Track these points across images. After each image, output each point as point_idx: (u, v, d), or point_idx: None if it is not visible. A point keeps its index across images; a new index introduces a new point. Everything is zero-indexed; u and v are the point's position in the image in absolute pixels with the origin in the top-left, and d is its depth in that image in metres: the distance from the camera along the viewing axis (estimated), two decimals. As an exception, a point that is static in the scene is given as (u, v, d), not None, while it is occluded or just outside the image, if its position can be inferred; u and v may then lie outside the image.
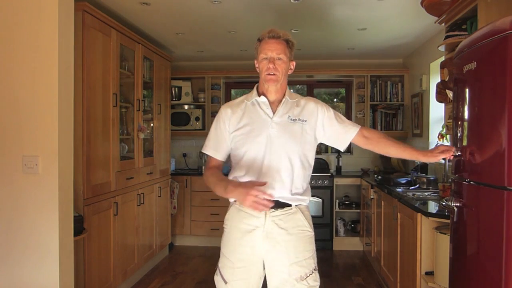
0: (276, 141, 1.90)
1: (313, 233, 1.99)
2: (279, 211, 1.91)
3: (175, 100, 5.57)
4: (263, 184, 1.78)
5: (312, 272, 1.91)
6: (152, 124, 4.41)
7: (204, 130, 5.64)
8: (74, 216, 2.66)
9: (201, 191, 5.28)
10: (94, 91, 3.14)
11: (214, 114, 5.71)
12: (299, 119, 1.95)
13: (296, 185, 1.93)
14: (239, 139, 1.94)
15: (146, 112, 4.29)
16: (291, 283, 1.88)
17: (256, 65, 1.99)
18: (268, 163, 1.89)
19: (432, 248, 2.74)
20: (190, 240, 5.40)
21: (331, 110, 2.04)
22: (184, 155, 5.93)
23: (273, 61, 1.90)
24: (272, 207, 1.87)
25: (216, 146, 2.00)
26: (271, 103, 1.96)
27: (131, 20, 3.93)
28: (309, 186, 2.03)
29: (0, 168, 2.43)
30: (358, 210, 5.30)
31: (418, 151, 1.99)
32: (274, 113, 1.94)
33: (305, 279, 1.88)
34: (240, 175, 1.94)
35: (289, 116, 1.94)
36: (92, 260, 3.09)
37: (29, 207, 2.42)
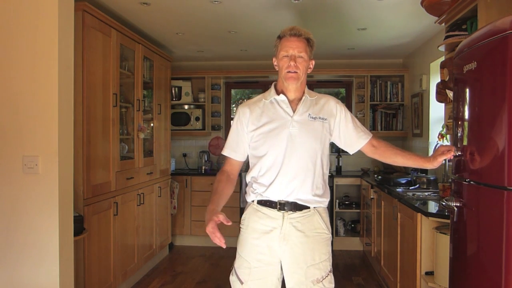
0: (297, 140, 1.88)
1: (330, 235, 1.97)
2: (297, 213, 1.89)
3: (175, 100, 5.56)
4: (228, 222, 1.73)
5: (328, 274, 1.91)
6: (152, 124, 4.41)
7: (204, 130, 5.64)
8: (74, 216, 2.66)
9: (201, 191, 5.28)
10: (94, 91, 3.14)
11: (214, 114, 5.71)
12: (320, 117, 1.92)
13: (317, 185, 1.91)
14: (259, 138, 1.91)
15: (146, 112, 4.29)
16: (308, 285, 1.87)
17: (275, 63, 1.96)
18: (288, 162, 1.87)
19: (432, 248, 2.74)
20: (190, 240, 5.39)
21: (349, 113, 2.02)
22: (184, 155, 5.93)
23: (294, 59, 1.87)
24: (290, 209, 1.88)
25: (235, 147, 1.98)
26: (290, 102, 1.93)
27: (131, 20, 3.93)
28: (328, 186, 2.00)
29: (0, 168, 2.43)
30: (358, 210, 5.30)
31: (423, 158, 1.96)
32: (294, 111, 1.92)
33: (321, 281, 1.88)
34: (259, 175, 1.91)
35: (309, 114, 1.91)
36: (92, 260, 3.09)
37: (29, 207, 2.42)
